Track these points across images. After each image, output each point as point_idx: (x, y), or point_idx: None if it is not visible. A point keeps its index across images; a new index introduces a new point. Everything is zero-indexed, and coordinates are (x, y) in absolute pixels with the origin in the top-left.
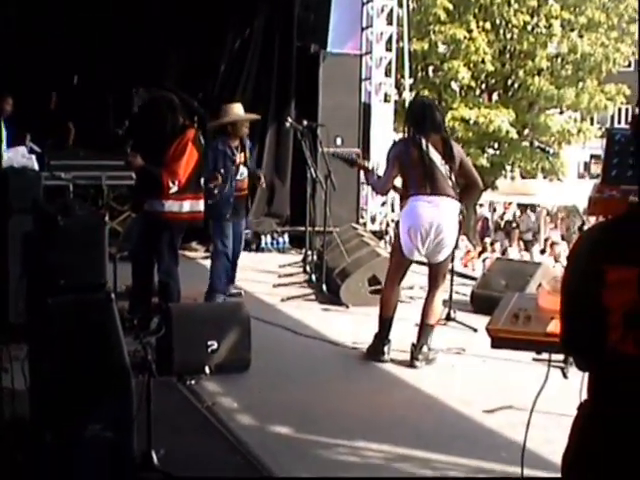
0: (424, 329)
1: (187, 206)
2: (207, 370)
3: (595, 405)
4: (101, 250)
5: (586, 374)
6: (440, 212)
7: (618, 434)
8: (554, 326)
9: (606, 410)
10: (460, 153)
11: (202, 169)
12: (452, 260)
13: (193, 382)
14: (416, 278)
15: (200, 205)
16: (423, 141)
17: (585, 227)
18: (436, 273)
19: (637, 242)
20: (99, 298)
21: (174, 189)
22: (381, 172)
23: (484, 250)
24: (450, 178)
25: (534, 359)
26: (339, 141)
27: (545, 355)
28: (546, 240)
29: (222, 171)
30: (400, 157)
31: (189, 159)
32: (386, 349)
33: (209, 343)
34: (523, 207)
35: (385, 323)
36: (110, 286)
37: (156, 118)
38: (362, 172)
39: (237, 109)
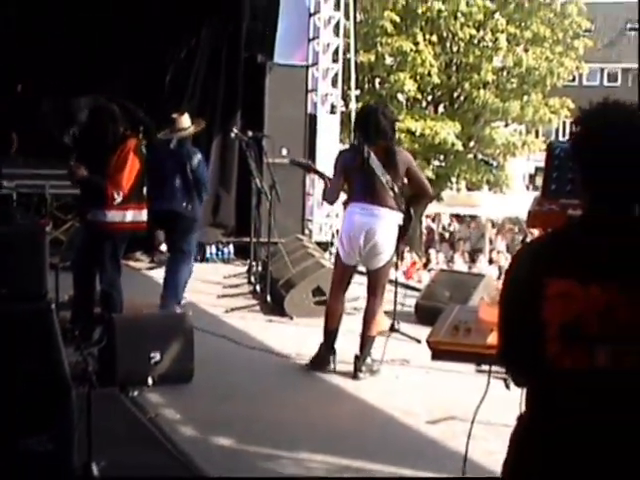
0: (365, 340)
1: (130, 216)
2: (150, 381)
3: (532, 418)
4: (42, 259)
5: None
6: (373, 220)
7: (554, 447)
8: (494, 338)
9: (543, 423)
10: (407, 161)
11: (144, 178)
12: (396, 269)
13: (136, 393)
14: (361, 289)
15: (143, 215)
16: (366, 149)
17: (527, 239)
18: (374, 282)
19: (576, 256)
20: (40, 308)
21: (118, 200)
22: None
23: (429, 261)
24: (392, 188)
25: (477, 370)
26: (284, 152)
27: (487, 366)
28: (491, 251)
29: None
30: (344, 166)
31: (131, 169)
32: (331, 360)
33: (152, 354)
34: (468, 218)
35: (330, 334)
36: (51, 296)
37: (98, 128)
38: (317, 177)
39: (188, 120)
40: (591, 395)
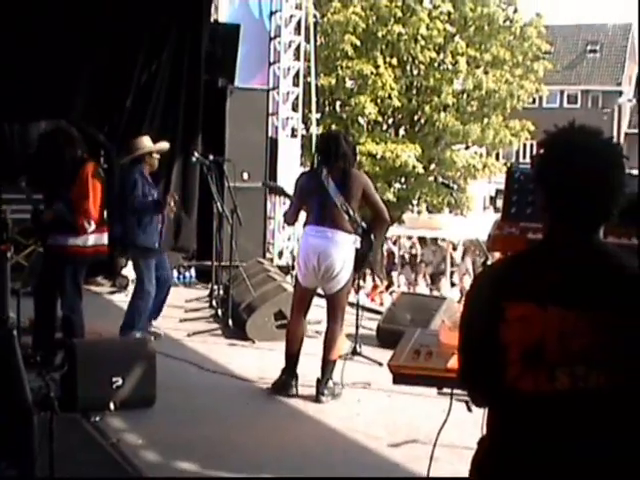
0: (326, 364)
1: (92, 240)
2: (112, 406)
3: (493, 441)
4: (3, 285)
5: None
6: (327, 243)
7: (515, 471)
8: (455, 361)
9: (504, 447)
10: (363, 183)
11: (105, 202)
12: (357, 292)
13: (97, 418)
14: (323, 313)
15: (104, 239)
16: (323, 172)
17: (488, 262)
18: (333, 305)
19: (535, 279)
20: (1, 333)
21: (91, 228)
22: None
23: (391, 284)
24: (347, 211)
25: (439, 393)
26: (246, 176)
27: (450, 389)
28: (452, 274)
29: (149, 199)
30: (302, 189)
31: (95, 194)
32: (293, 383)
33: (114, 379)
34: (429, 241)
35: (292, 357)
36: (13, 321)
37: (54, 152)
38: (288, 200)
39: (148, 142)
40: (552, 418)
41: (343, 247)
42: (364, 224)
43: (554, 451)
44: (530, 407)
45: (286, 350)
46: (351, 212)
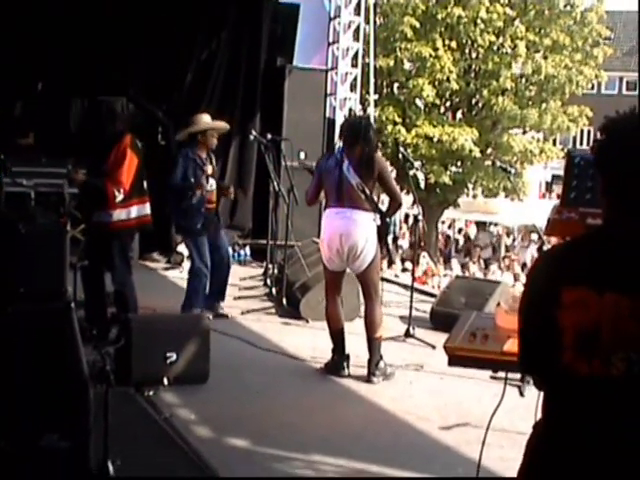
0: (372, 343)
1: (134, 212)
2: (165, 381)
3: (548, 426)
4: (62, 258)
5: (542, 393)
6: (348, 223)
7: (570, 455)
8: (511, 345)
9: (558, 431)
10: (380, 168)
11: (144, 173)
12: (413, 275)
13: (151, 393)
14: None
15: (147, 209)
16: (341, 154)
17: (545, 247)
18: (365, 284)
19: (592, 264)
20: (59, 307)
21: (120, 197)
22: None
23: (446, 267)
24: (363, 190)
25: (491, 377)
26: (302, 155)
27: (502, 373)
28: (504, 258)
29: (192, 180)
30: (320, 170)
31: (130, 165)
32: (345, 364)
33: (168, 354)
34: (483, 225)
35: (337, 337)
36: (70, 295)
37: (95, 126)
38: None
39: (206, 118)
40: (606, 404)
41: (364, 225)
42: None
43: (608, 436)
44: (585, 392)
45: (329, 330)
46: (367, 191)
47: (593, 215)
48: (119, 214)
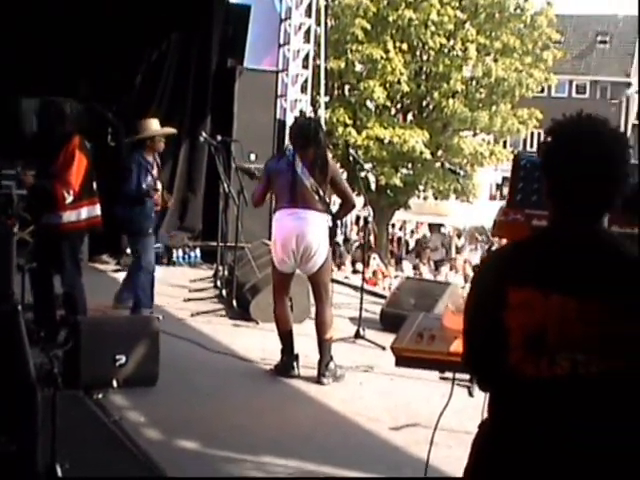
0: (322, 344)
1: (84, 213)
2: (114, 384)
3: (494, 425)
4: (8, 261)
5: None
6: (302, 223)
7: (515, 455)
8: (457, 346)
9: (504, 431)
10: (333, 171)
11: (93, 174)
12: (363, 276)
13: (100, 396)
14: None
15: (97, 210)
16: (294, 156)
17: (493, 249)
18: (316, 285)
19: (539, 266)
20: (6, 309)
21: (69, 199)
22: None
23: (396, 269)
24: (317, 192)
25: (441, 377)
26: (253, 157)
27: (452, 374)
28: (455, 260)
29: (144, 186)
30: (269, 171)
31: (79, 166)
32: (294, 365)
33: (117, 357)
34: (434, 227)
35: (286, 338)
36: (18, 297)
37: (44, 128)
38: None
39: (155, 124)
40: (552, 404)
41: (318, 226)
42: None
43: (553, 436)
44: (531, 392)
45: (279, 333)
46: (321, 193)
47: (539, 217)
48: (69, 216)
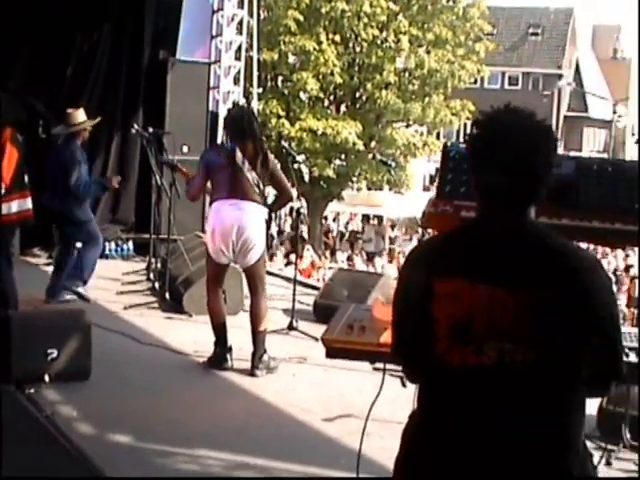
0: (256, 336)
1: (15, 206)
2: (46, 378)
3: (423, 415)
4: None
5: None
6: (242, 215)
7: (444, 444)
8: (387, 336)
9: (432, 420)
10: (272, 163)
11: (24, 167)
12: (296, 268)
13: (32, 391)
14: None
15: (28, 203)
16: (233, 149)
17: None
18: (252, 277)
19: (466, 257)
20: None
21: (0, 192)
22: None
23: (330, 260)
24: (257, 185)
25: (374, 368)
26: (185, 149)
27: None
28: (390, 251)
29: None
30: (208, 163)
31: (10, 159)
32: (228, 357)
33: (49, 351)
34: (368, 218)
35: (219, 330)
36: None
37: None
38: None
39: (82, 115)
40: (479, 393)
41: (257, 219)
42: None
43: (481, 425)
44: (458, 381)
45: (212, 325)
46: (261, 186)
47: (467, 208)
48: None
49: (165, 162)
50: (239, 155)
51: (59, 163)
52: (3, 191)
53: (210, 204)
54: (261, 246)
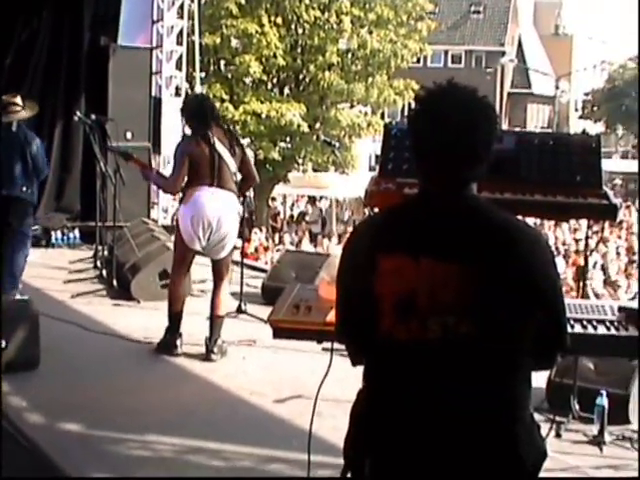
0: (215, 322)
1: None
2: None
3: (369, 391)
4: None
5: None
6: (222, 206)
7: (392, 419)
8: (333, 315)
9: (380, 396)
10: (243, 146)
11: None
12: (242, 252)
13: None
14: (208, 271)
15: None
16: (211, 135)
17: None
18: (220, 267)
19: (408, 232)
20: None
21: None
22: (169, 168)
23: (278, 242)
24: (234, 173)
25: (324, 349)
26: (129, 135)
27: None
28: (333, 232)
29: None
30: (191, 153)
31: None
32: (178, 343)
33: None
34: (313, 200)
35: (175, 317)
36: None
37: None
38: (139, 168)
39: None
40: (424, 367)
41: (234, 210)
42: None
43: (426, 399)
44: (403, 356)
45: (169, 310)
46: (237, 172)
47: (410, 185)
48: None
49: (118, 152)
50: (218, 142)
51: (14, 147)
52: None
53: (186, 189)
54: (234, 240)
